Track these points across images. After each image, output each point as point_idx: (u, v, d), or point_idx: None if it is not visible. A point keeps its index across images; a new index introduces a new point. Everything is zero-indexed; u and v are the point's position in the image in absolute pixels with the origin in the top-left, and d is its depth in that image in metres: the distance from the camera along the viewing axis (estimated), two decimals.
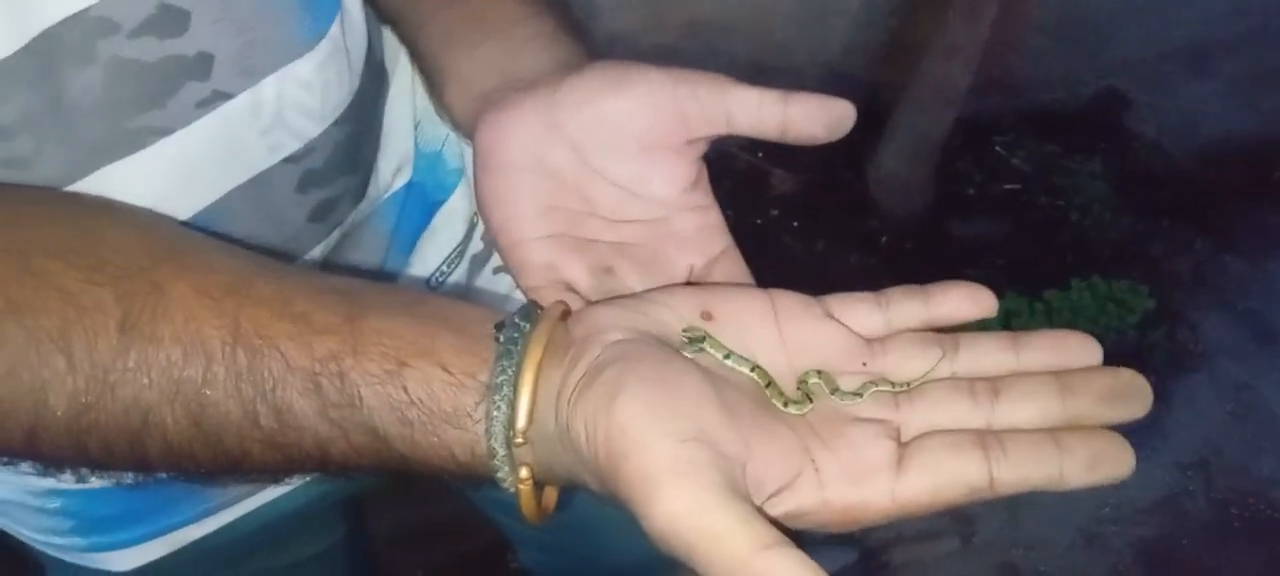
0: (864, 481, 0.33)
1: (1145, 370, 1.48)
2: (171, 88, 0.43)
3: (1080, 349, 0.37)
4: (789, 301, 0.38)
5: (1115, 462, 0.34)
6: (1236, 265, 1.98)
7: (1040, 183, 2.01)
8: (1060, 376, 0.36)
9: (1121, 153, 2.07)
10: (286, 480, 0.50)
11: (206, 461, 0.36)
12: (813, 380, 0.35)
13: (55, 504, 0.59)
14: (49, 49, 0.38)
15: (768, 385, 0.35)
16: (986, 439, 0.33)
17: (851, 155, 1.92)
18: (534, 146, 0.39)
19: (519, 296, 0.71)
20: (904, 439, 0.34)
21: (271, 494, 0.66)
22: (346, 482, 0.72)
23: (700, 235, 0.41)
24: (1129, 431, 1.38)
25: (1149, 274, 1.87)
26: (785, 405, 0.34)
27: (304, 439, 0.35)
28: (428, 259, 0.63)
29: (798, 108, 0.37)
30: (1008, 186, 2.01)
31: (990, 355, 0.37)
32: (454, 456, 0.35)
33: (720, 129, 0.39)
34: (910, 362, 0.37)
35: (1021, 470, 0.33)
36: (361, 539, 0.92)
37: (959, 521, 1.61)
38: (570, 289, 0.39)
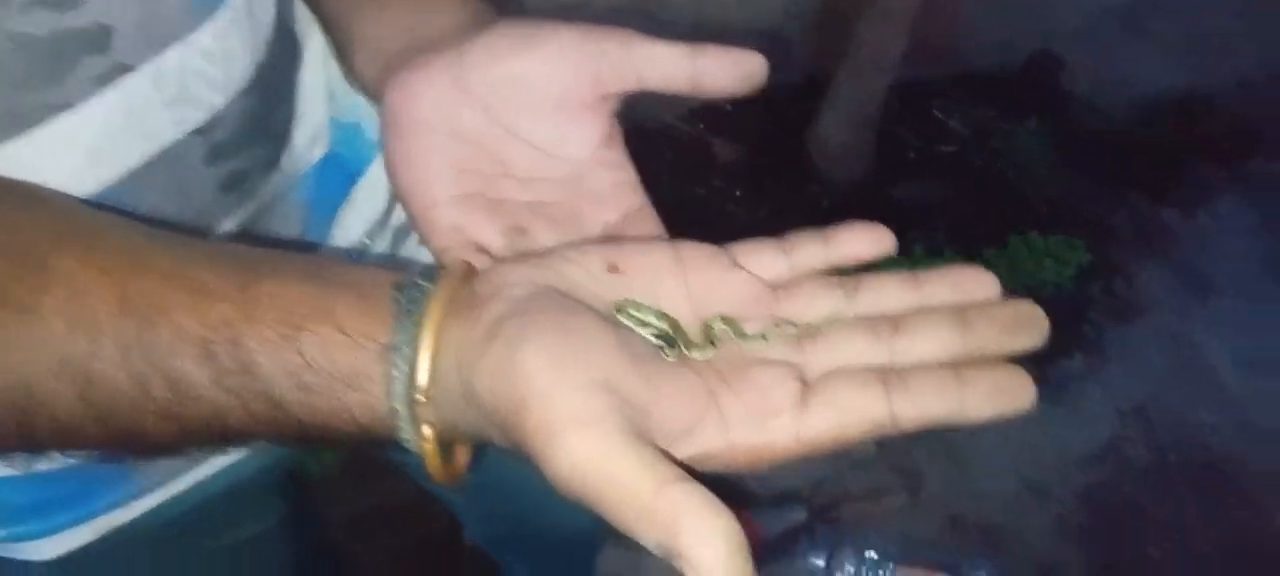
0: (768, 422, 0.33)
1: (1083, 323, 1.52)
2: (68, 62, 0.42)
3: (979, 284, 0.37)
4: (694, 252, 0.38)
5: (1015, 394, 0.34)
6: (1170, 218, 2.03)
7: (978, 144, 2.04)
8: (960, 311, 0.36)
9: (1056, 113, 2.10)
10: (195, 456, 0.49)
11: (98, 437, 0.35)
12: (718, 326, 0.36)
13: None
14: None
15: (673, 331, 0.35)
16: (888, 375, 0.34)
17: (792, 123, 1.93)
18: (443, 108, 0.39)
19: None
20: (808, 379, 0.35)
21: (202, 473, 0.65)
22: (284, 460, 0.72)
23: (614, 192, 0.40)
24: (1068, 382, 1.41)
25: (1086, 229, 1.91)
26: (689, 350, 0.35)
27: (200, 409, 0.34)
28: (350, 231, 0.63)
29: (707, 61, 0.37)
30: (946, 149, 2.03)
31: (892, 294, 0.37)
32: (355, 419, 0.34)
33: (631, 84, 0.38)
34: (814, 305, 0.37)
35: (923, 405, 0.33)
36: (309, 519, 0.91)
37: (906, 477, 1.64)
38: (482, 251, 0.39)
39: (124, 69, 0.44)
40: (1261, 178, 2.10)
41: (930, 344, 0.35)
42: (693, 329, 0.36)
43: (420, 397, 0.33)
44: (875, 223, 0.39)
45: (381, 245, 0.65)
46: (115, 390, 0.34)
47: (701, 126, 1.97)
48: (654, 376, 0.32)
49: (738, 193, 1.87)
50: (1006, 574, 1.44)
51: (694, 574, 0.27)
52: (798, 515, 1.54)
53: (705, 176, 1.90)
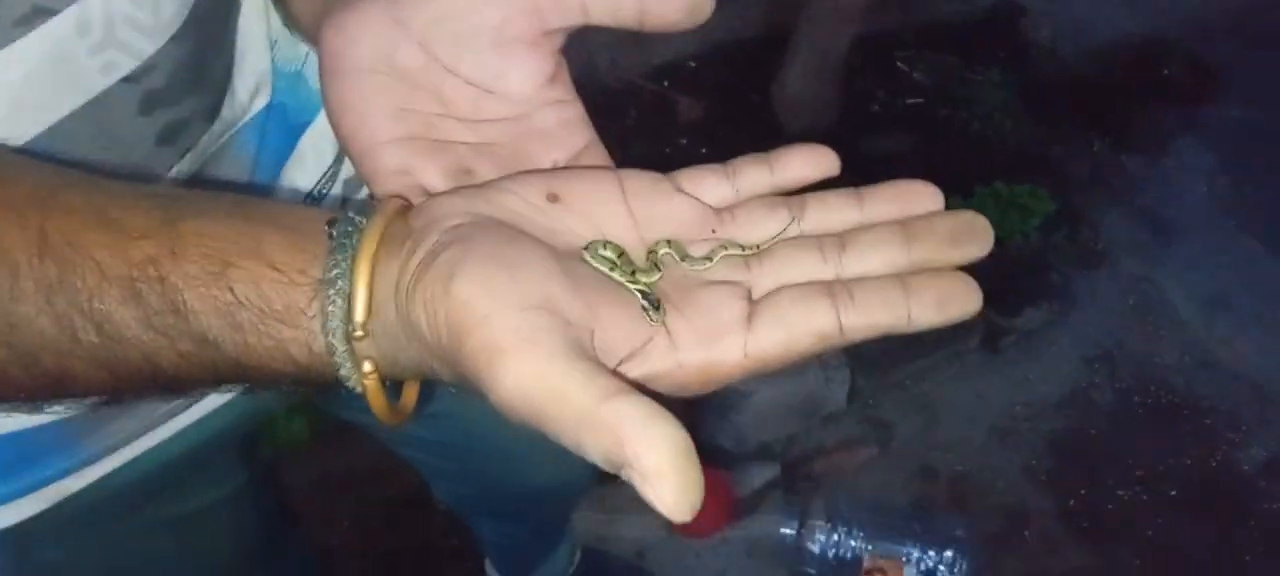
0: (716, 340, 0.33)
1: (1049, 271, 1.52)
2: None
3: (922, 197, 0.37)
4: (637, 179, 0.37)
5: (963, 300, 0.34)
6: (1132, 164, 2.04)
7: (942, 95, 2.04)
8: (904, 224, 0.36)
9: (1019, 61, 2.10)
10: (135, 405, 0.48)
11: (26, 384, 0.34)
12: (663, 250, 0.35)
13: None
14: None
15: (619, 257, 0.34)
16: (835, 288, 0.33)
17: (756, 78, 1.92)
18: (381, 47, 0.37)
19: None
20: (755, 298, 0.34)
21: (155, 439, 0.63)
22: (244, 424, 0.71)
23: (562, 130, 0.39)
24: (1035, 331, 1.40)
25: (1050, 177, 1.91)
26: (634, 275, 0.34)
27: (128, 352, 0.33)
28: (297, 183, 0.61)
29: None
30: (910, 100, 2.03)
31: (836, 211, 0.37)
32: (292, 357, 0.33)
33: (575, 18, 0.37)
34: (759, 226, 0.37)
35: (870, 315, 0.33)
36: (265, 488, 0.90)
37: (877, 428, 1.65)
38: (426, 193, 0.37)
39: (45, 12, 0.41)
40: (1220, 121, 2.11)
41: (876, 258, 0.35)
42: (638, 254, 0.35)
43: (358, 332, 0.32)
44: (817, 144, 0.39)
45: (330, 199, 0.63)
46: (39, 334, 0.33)
47: (665, 83, 1.95)
48: (596, 298, 0.32)
49: (703, 150, 1.85)
50: (974, 535, 1.44)
51: (642, 481, 0.26)
52: (771, 472, 1.55)
53: (670, 134, 1.89)
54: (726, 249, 0.36)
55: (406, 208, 0.35)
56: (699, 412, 1.55)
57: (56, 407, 0.37)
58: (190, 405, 0.64)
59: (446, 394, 0.84)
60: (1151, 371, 1.75)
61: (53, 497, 0.61)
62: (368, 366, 0.33)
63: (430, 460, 0.99)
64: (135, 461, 0.63)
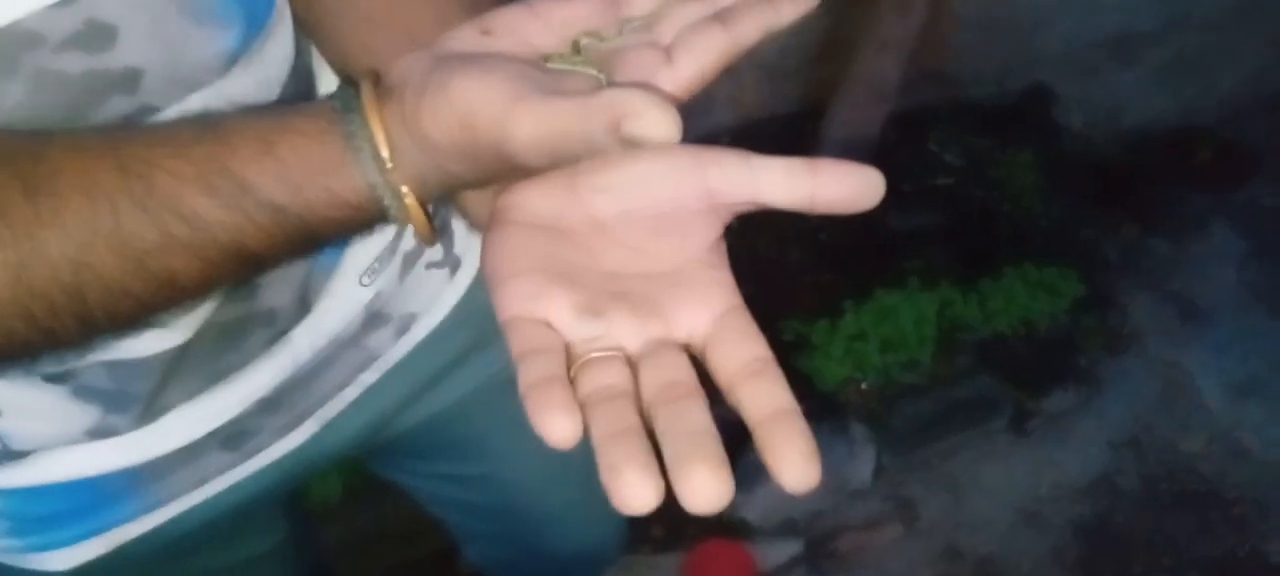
0: (650, 82, 0.39)
1: (1078, 354, 1.52)
2: (96, 101, 0.44)
3: None
4: (541, 2, 0.43)
5: None
6: (1162, 248, 2.05)
7: (973, 175, 2.06)
8: None
9: (1050, 143, 2.13)
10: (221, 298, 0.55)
11: (140, 290, 0.39)
12: (584, 41, 0.42)
13: None
14: None
15: (553, 58, 0.41)
16: (720, 16, 0.40)
17: (789, 151, 1.94)
18: (550, 207, 0.39)
19: (451, 295, 0.73)
20: (665, 46, 0.41)
21: (210, 491, 0.66)
22: (286, 482, 0.74)
23: (711, 289, 0.38)
24: (1063, 413, 1.41)
25: (1080, 259, 1.93)
26: (563, 63, 0.41)
27: (217, 235, 0.38)
28: (359, 257, 0.64)
29: (826, 177, 0.36)
30: (942, 180, 2.06)
31: None
32: (345, 201, 0.39)
33: (747, 199, 0.37)
34: (646, 1, 0.43)
35: (750, 26, 0.40)
36: (305, 543, 0.93)
37: (902, 507, 1.65)
38: (548, 325, 0.37)
39: (150, 111, 0.46)
40: (1250, 206, 2.13)
41: None
42: (560, 54, 0.42)
43: (388, 164, 0.38)
44: None
45: (390, 270, 0.67)
46: (143, 240, 0.38)
47: None
48: (553, 79, 0.39)
49: (736, 219, 1.89)
50: None
51: (636, 125, 0.34)
52: (794, 547, 1.55)
53: None
54: (629, 23, 0.43)
55: (377, 75, 0.40)
56: None
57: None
58: (243, 460, 0.67)
59: (483, 456, 0.87)
60: (1179, 458, 1.75)
61: (115, 541, 0.64)
62: (405, 189, 0.39)
63: (463, 521, 1.01)
64: (191, 511, 0.66)
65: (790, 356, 1.69)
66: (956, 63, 2.09)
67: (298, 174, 0.38)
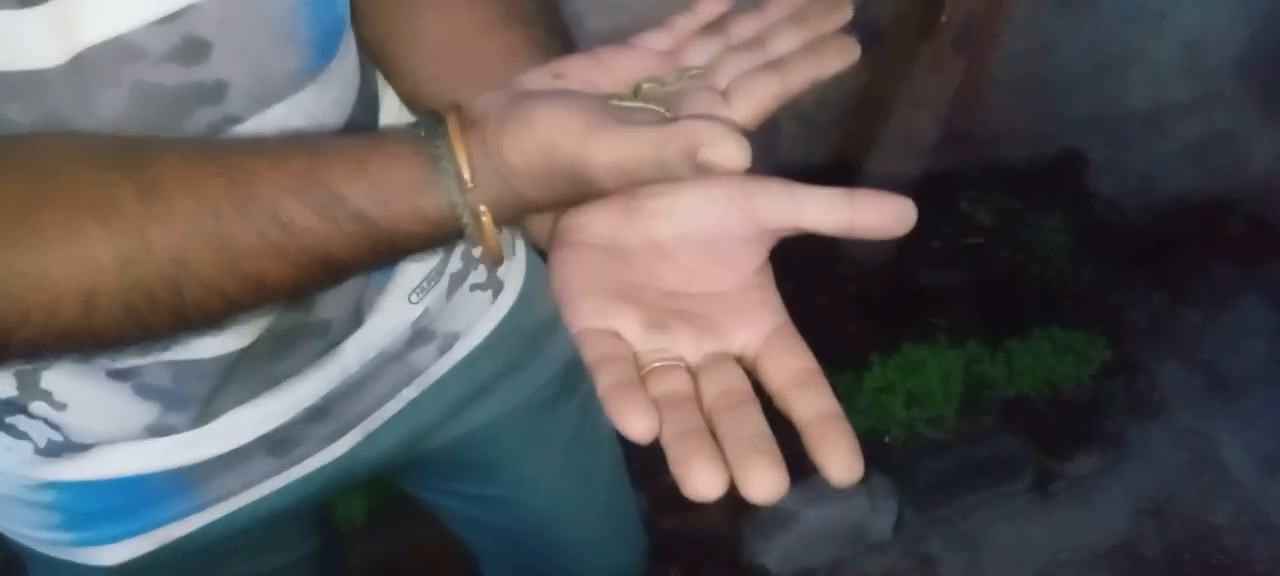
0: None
1: (1103, 418, 1.52)
2: (187, 110, 0.47)
3: None
4: (605, 50, 0.46)
5: (847, 51, 0.44)
6: (1191, 317, 2.05)
7: (1003, 235, 2.08)
8: (795, 16, 0.46)
9: (1081, 208, 2.14)
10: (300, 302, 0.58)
11: (233, 290, 0.42)
12: (644, 87, 0.45)
13: (47, 497, 0.62)
14: (83, 68, 0.43)
15: (616, 99, 0.44)
16: (771, 64, 0.44)
17: None
18: (609, 229, 0.43)
19: (492, 317, 0.75)
20: (722, 90, 0.44)
21: (251, 497, 0.68)
22: (318, 496, 0.76)
23: (759, 310, 0.42)
24: (1087, 478, 1.41)
25: (1108, 324, 1.93)
26: (635, 99, 0.44)
27: (309, 242, 0.41)
28: (410, 275, 0.67)
29: (864, 205, 0.39)
30: (972, 239, 2.07)
31: (750, 25, 0.47)
32: (427, 217, 0.42)
33: (790, 224, 0.40)
34: (704, 51, 0.47)
35: (798, 73, 0.43)
36: (333, 560, 0.94)
37: (921, 562, 1.65)
38: (619, 337, 0.40)
39: (233, 121, 0.49)
40: None
41: (787, 41, 0.45)
42: (624, 95, 0.45)
43: (469, 185, 0.41)
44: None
45: (438, 289, 0.69)
46: (241, 243, 0.41)
47: None
48: (621, 111, 0.42)
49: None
50: None
51: (713, 152, 0.37)
52: None
53: None
54: (687, 71, 0.46)
55: (458, 106, 0.43)
56: (744, 532, 1.57)
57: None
58: (287, 467, 0.69)
59: (508, 479, 0.89)
60: (1204, 529, 1.74)
61: (160, 540, 0.66)
62: (482, 209, 0.42)
63: (485, 544, 1.03)
64: (233, 514, 0.68)
65: None
66: (990, 124, 2.11)
67: (387, 190, 0.41)
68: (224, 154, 0.42)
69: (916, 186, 1.92)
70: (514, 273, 0.77)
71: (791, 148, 1.99)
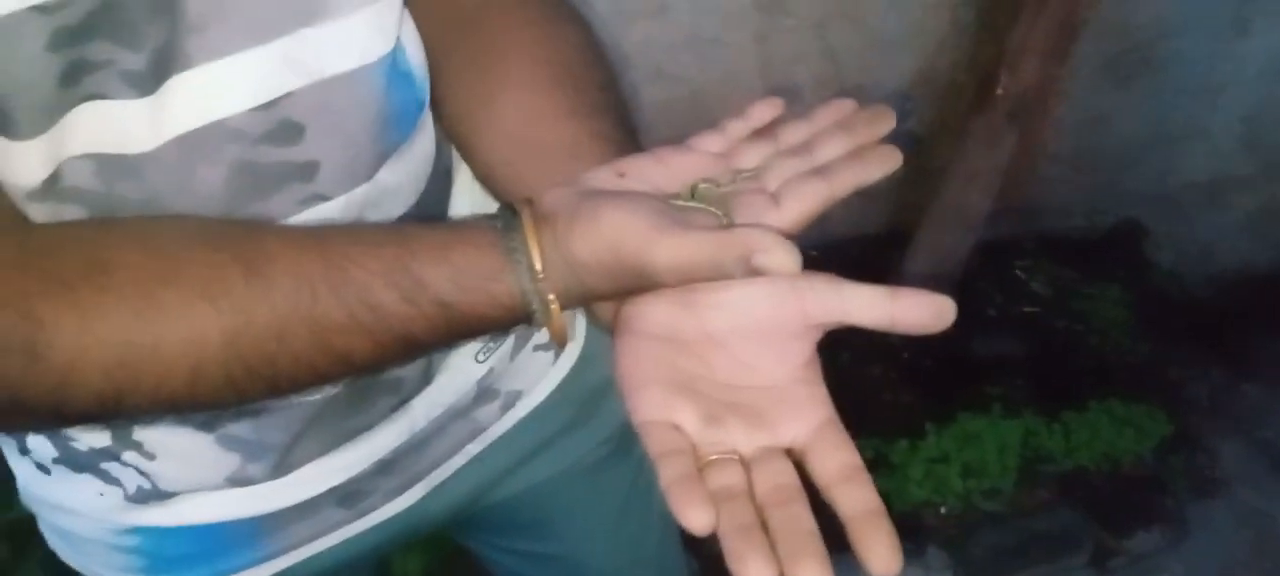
0: (761, 221, 0.46)
1: (1164, 495, 1.51)
2: (279, 186, 0.51)
3: (846, 107, 0.51)
4: (666, 150, 0.50)
5: (890, 158, 0.48)
6: (1253, 393, 2.01)
7: (1059, 306, 2.07)
8: (841, 123, 0.50)
9: (1139, 280, 2.12)
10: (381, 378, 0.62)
11: (322, 364, 0.46)
12: (700, 187, 0.48)
13: (132, 542, 0.65)
14: (188, 148, 0.47)
15: (675, 199, 0.47)
16: (818, 170, 0.48)
17: (876, 274, 1.98)
18: (667, 320, 0.45)
19: (553, 376, 0.78)
20: (773, 192, 0.47)
21: (319, 547, 0.71)
22: (377, 550, 0.78)
23: (807, 404, 0.44)
24: (1147, 556, 1.39)
25: (1166, 398, 1.90)
26: (692, 198, 0.47)
27: (392, 324, 0.45)
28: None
29: (904, 301, 0.41)
30: (1027, 309, 2.06)
31: (799, 131, 0.51)
32: (501, 303, 0.45)
33: (836, 319, 0.43)
34: (755, 154, 0.50)
35: (844, 179, 0.47)
36: None
37: None
38: (678, 428, 0.43)
39: (321, 198, 0.53)
40: None
41: (832, 148, 0.49)
42: (683, 195, 0.49)
43: (540, 275, 0.45)
44: (768, 99, 0.52)
45: (504, 347, 0.72)
46: (333, 321, 0.45)
47: None
48: (682, 211, 0.46)
49: (820, 339, 1.91)
50: None
51: (765, 259, 0.41)
52: None
53: None
54: (741, 173, 0.50)
55: (530, 200, 0.47)
56: None
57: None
58: (355, 519, 0.71)
59: (561, 537, 0.91)
60: None
61: None
62: (551, 297, 0.45)
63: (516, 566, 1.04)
64: (301, 564, 0.71)
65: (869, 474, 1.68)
66: (1045, 195, 2.12)
67: (467, 277, 0.45)
68: (325, 237, 0.46)
69: (970, 255, 1.92)
70: (573, 336, 0.79)
71: (846, 216, 2.00)
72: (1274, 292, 2.16)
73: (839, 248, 2.05)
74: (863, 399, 1.82)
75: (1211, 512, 1.81)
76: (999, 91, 1.71)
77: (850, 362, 1.86)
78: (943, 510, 1.70)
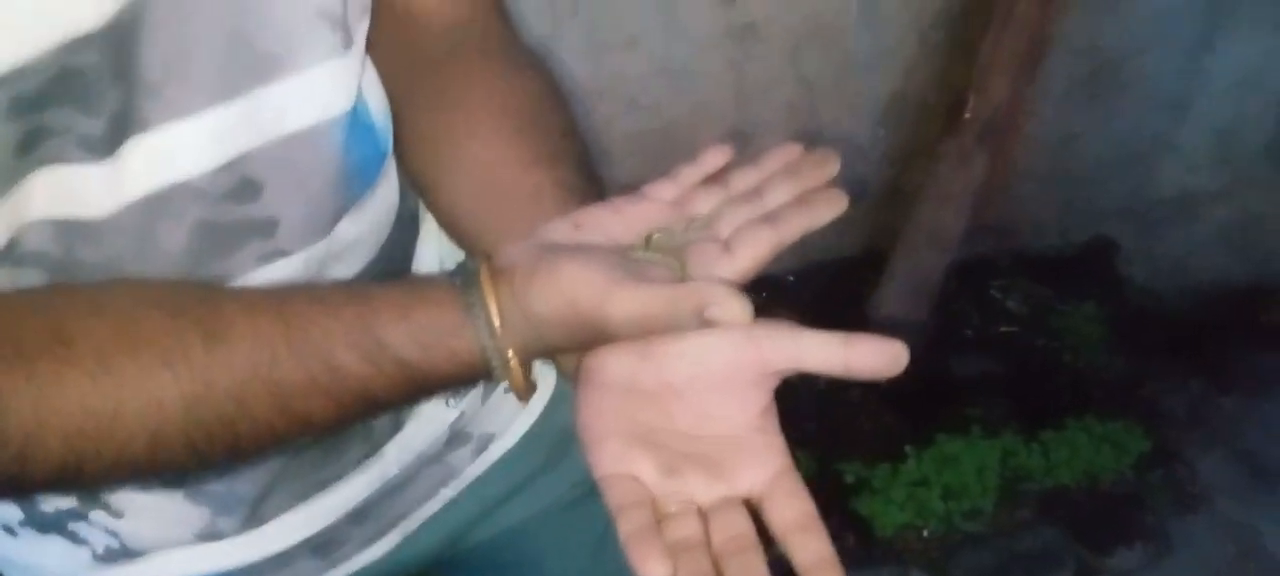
0: (714, 270, 0.47)
1: (1144, 512, 1.52)
2: (239, 243, 0.51)
3: (793, 152, 0.52)
4: (620, 200, 0.51)
5: (835, 202, 0.49)
6: (1231, 405, 2.02)
7: (1036, 325, 2.08)
8: (789, 168, 0.51)
9: (1113, 296, 2.13)
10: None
11: (282, 426, 0.45)
12: (655, 236, 0.50)
13: None
14: (147, 210, 0.47)
15: (632, 250, 0.49)
16: (767, 217, 0.49)
17: (852, 296, 2.00)
18: (626, 372, 0.46)
19: (525, 419, 0.78)
20: (724, 240, 0.49)
21: None
22: None
23: (764, 453, 0.46)
24: (1130, 571, 1.40)
25: (1144, 414, 1.91)
26: (647, 249, 0.49)
27: (353, 384, 0.45)
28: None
29: (858, 348, 0.43)
30: (1004, 328, 2.07)
31: (746, 178, 0.52)
32: (461, 360, 0.46)
33: (793, 366, 0.44)
34: (706, 202, 0.51)
35: (792, 225, 0.48)
36: None
37: None
38: (636, 480, 0.45)
39: (281, 254, 0.53)
40: None
41: (782, 193, 0.50)
42: (638, 246, 0.50)
43: (499, 331, 0.45)
44: (714, 145, 0.54)
45: (474, 395, 0.72)
46: (293, 385, 0.45)
47: (763, 295, 2.04)
48: (638, 264, 0.47)
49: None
50: None
51: (718, 310, 0.43)
52: None
53: None
54: (693, 222, 0.51)
55: (489, 256, 0.47)
56: None
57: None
58: (330, 568, 0.71)
59: None
60: None
61: None
62: (510, 353, 0.46)
63: None
64: None
65: (850, 498, 1.69)
66: (1018, 214, 2.13)
67: (427, 335, 0.45)
68: (283, 301, 0.46)
69: (946, 276, 1.94)
70: (544, 377, 0.79)
71: (822, 239, 2.01)
72: (1248, 304, 2.18)
73: (815, 271, 2.06)
74: (842, 422, 1.83)
75: (1193, 527, 1.81)
76: (967, 115, 1.73)
77: (829, 387, 1.87)
78: (925, 533, 1.71)
